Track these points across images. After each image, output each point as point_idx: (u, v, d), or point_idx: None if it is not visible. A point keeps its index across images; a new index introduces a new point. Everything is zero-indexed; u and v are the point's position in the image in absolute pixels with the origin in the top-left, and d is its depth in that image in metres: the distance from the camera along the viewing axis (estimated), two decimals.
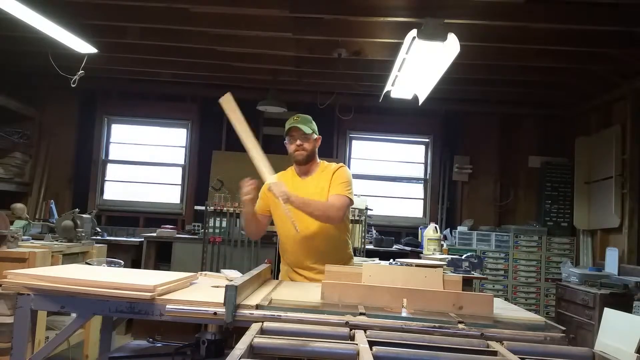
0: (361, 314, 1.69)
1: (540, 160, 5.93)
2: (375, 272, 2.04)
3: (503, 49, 4.33)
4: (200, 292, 1.94)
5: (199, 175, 6.07)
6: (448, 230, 5.71)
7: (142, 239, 5.23)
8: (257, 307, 1.69)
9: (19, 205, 4.46)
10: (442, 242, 4.98)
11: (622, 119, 4.87)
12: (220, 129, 6.00)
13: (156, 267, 5.16)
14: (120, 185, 6.28)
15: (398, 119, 5.97)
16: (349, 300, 1.85)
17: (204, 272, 2.45)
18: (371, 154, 6.34)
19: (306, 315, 1.66)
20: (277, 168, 2.44)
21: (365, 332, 1.54)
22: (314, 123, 2.63)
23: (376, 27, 4.02)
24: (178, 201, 6.20)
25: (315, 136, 2.62)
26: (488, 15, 3.58)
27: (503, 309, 1.98)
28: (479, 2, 3.50)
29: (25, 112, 5.72)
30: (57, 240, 3.75)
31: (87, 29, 4.13)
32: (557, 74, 4.91)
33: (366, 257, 4.91)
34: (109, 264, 2.61)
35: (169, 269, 4.72)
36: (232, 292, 1.62)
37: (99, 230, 5.31)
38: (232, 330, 1.68)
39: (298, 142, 2.57)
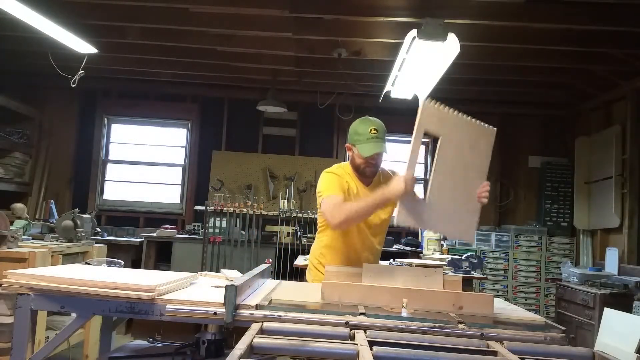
0: (361, 314, 1.68)
1: (540, 160, 5.94)
2: (375, 272, 2.04)
3: (503, 49, 4.33)
4: (200, 292, 1.94)
5: (199, 175, 6.06)
6: None
7: (142, 239, 5.23)
8: (257, 307, 1.69)
9: (19, 205, 4.47)
10: (442, 242, 4.99)
11: (622, 119, 4.87)
12: (220, 129, 5.99)
13: (156, 267, 5.16)
14: (120, 185, 6.27)
15: (398, 119, 5.92)
16: (349, 300, 1.85)
17: (204, 272, 2.44)
18: None
19: (306, 315, 1.66)
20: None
21: (365, 332, 1.54)
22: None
23: (376, 27, 4.02)
24: (178, 201, 6.19)
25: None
26: (488, 15, 3.58)
27: (503, 309, 1.98)
28: (479, 2, 3.50)
29: (25, 112, 5.72)
30: (57, 240, 3.75)
31: (87, 29, 4.13)
32: (557, 74, 4.91)
33: None
34: (109, 264, 2.61)
35: (169, 269, 4.72)
36: (232, 292, 1.62)
37: (99, 230, 5.31)
38: (232, 330, 1.68)
39: (373, 161, 2.35)
